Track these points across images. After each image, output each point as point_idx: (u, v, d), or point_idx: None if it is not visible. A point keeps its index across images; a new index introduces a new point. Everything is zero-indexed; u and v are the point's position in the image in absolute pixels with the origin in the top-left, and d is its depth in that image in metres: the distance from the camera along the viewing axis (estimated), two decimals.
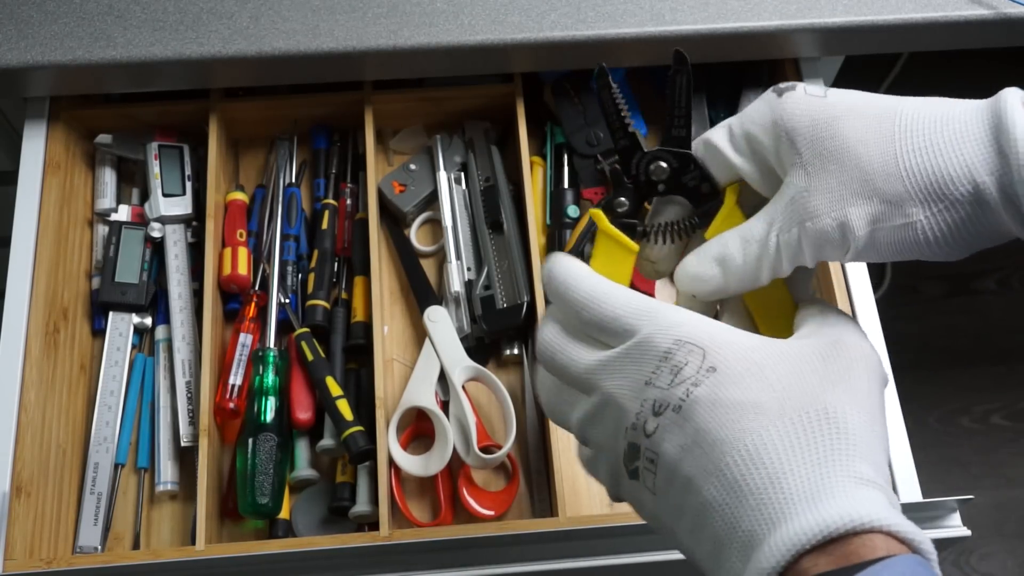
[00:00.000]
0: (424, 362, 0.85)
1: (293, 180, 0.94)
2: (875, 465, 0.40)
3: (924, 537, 0.38)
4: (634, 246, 0.50)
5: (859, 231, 0.43)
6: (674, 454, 0.40)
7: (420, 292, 0.89)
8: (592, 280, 0.45)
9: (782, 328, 0.48)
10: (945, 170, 0.42)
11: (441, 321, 0.86)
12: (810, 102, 0.45)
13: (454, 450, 0.80)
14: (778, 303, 0.49)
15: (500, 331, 0.85)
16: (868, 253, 0.44)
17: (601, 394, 0.43)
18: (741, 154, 0.47)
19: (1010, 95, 0.43)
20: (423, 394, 0.83)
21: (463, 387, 0.83)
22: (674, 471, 0.40)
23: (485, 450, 0.80)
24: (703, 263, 0.47)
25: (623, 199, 0.52)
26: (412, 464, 0.80)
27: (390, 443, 0.79)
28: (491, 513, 0.80)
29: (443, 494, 0.81)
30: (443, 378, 0.84)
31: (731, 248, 0.46)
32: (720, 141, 0.47)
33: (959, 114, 0.43)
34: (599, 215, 0.51)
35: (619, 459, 0.43)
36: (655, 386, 0.41)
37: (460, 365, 0.83)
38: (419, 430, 0.84)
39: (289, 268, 0.89)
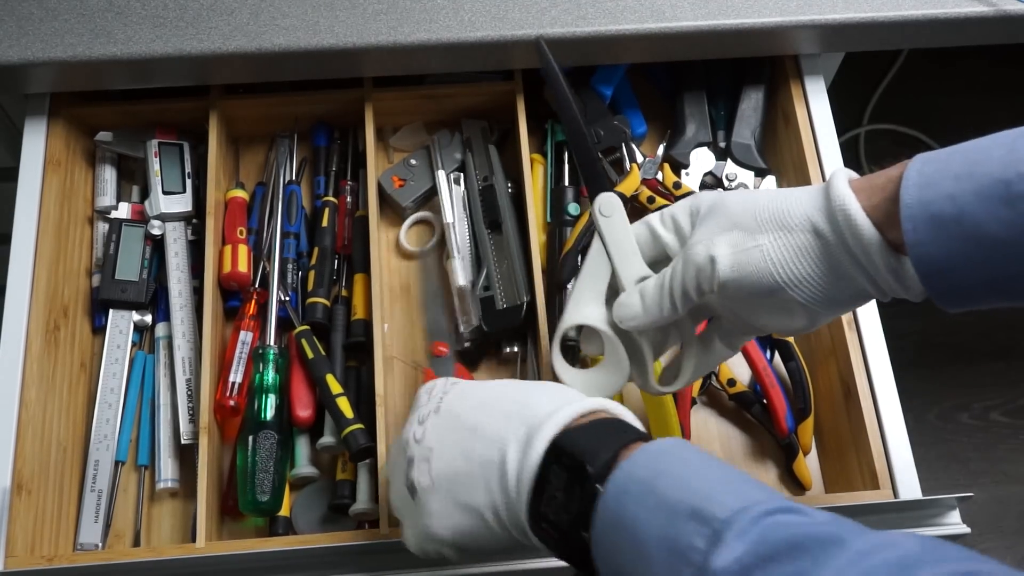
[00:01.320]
0: (591, 269, 0.67)
1: (293, 177, 0.94)
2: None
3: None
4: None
5: (720, 252, 0.58)
6: (439, 435, 0.58)
7: (590, 177, 0.71)
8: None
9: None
10: (785, 210, 0.57)
11: (615, 215, 0.65)
12: (712, 192, 0.63)
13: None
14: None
15: (501, 331, 0.85)
16: (735, 280, 0.57)
17: (394, 447, 0.64)
18: (665, 227, 0.63)
19: (838, 170, 0.57)
20: (591, 308, 0.66)
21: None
22: (442, 443, 0.58)
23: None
24: (630, 295, 0.63)
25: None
26: (581, 380, 0.66)
27: (555, 361, 0.67)
28: None
29: None
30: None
31: (648, 284, 0.62)
32: (652, 219, 0.64)
33: (806, 187, 0.59)
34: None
35: (403, 488, 0.60)
36: (418, 409, 0.61)
37: (638, 274, 0.64)
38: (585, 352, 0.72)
39: (289, 266, 0.89)
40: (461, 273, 0.87)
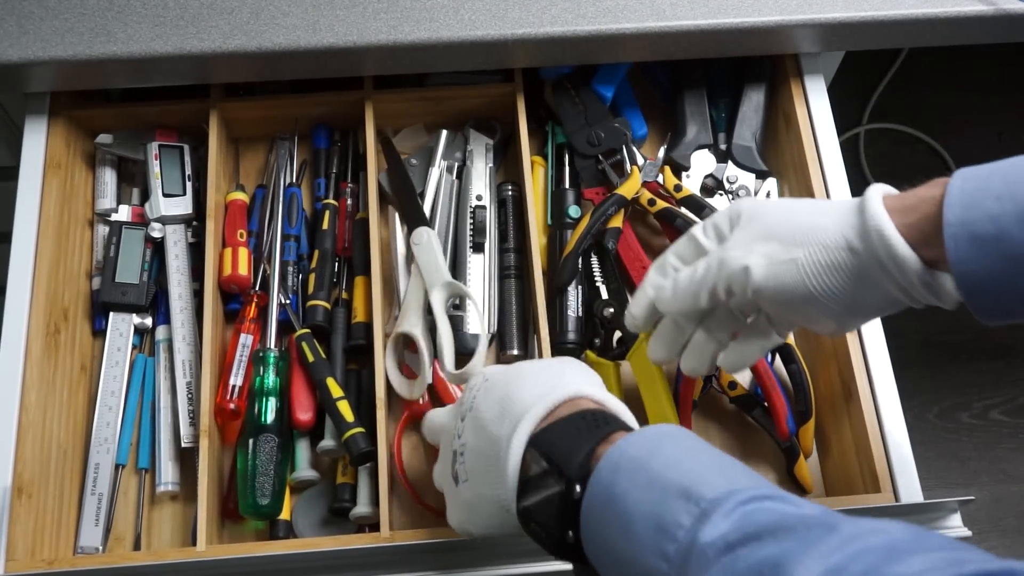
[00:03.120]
0: (413, 287, 0.85)
1: (293, 180, 0.93)
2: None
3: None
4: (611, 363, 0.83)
5: (755, 262, 0.60)
6: (469, 433, 0.62)
7: (410, 216, 0.88)
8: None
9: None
10: (822, 226, 0.59)
11: (423, 242, 0.85)
12: (753, 199, 0.70)
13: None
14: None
15: (460, 352, 0.84)
16: (769, 289, 0.60)
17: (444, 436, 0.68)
18: (707, 237, 0.65)
19: (872, 188, 0.59)
20: (410, 319, 0.83)
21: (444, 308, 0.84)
22: (471, 441, 0.61)
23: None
24: (664, 279, 0.66)
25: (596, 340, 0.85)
26: (401, 385, 0.82)
27: (388, 368, 0.82)
28: None
29: None
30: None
31: (682, 274, 0.65)
32: (695, 230, 0.66)
33: (841, 200, 0.63)
34: (590, 356, 0.85)
35: (450, 461, 0.65)
36: (461, 405, 0.65)
37: (438, 284, 0.83)
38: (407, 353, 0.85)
39: (290, 268, 0.88)
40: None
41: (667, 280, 0.66)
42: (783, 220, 0.61)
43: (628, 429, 0.56)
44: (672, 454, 0.52)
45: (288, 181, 0.93)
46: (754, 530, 0.45)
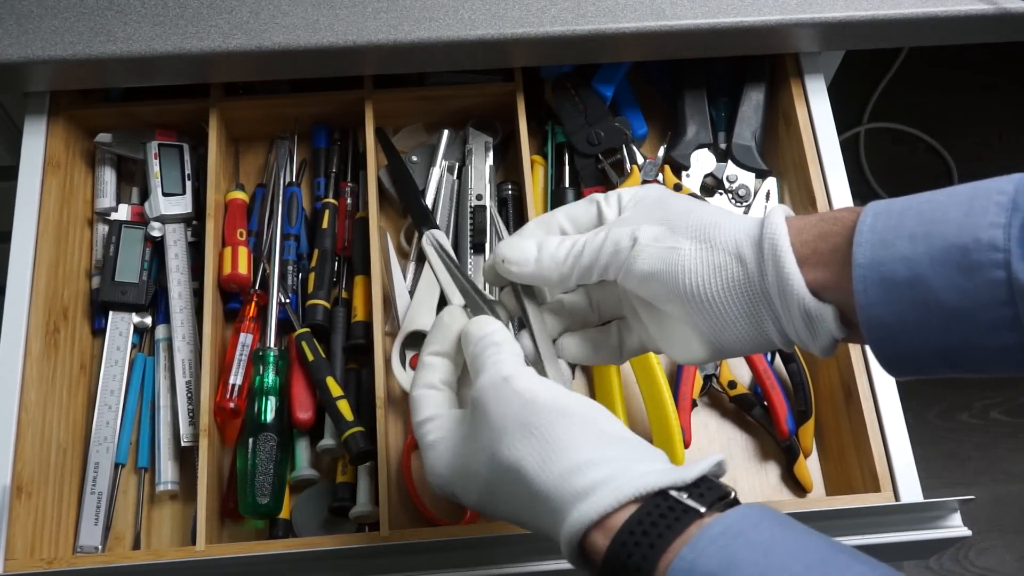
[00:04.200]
0: (424, 286, 0.86)
1: (293, 179, 0.93)
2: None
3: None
4: None
5: (642, 240, 0.55)
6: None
7: (418, 216, 0.88)
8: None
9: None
10: (718, 224, 0.54)
11: (438, 246, 0.84)
12: (664, 188, 0.60)
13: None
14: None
15: None
16: (640, 277, 0.55)
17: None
18: (609, 207, 0.59)
19: (779, 207, 0.54)
20: (424, 317, 0.84)
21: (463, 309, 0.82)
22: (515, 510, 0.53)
23: None
24: (524, 240, 0.58)
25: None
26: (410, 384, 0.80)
27: (394, 366, 0.81)
28: None
29: None
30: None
31: (551, 240, 0.58)
32: (598, 196, 0.60)
33: (745, 216, 0.57)
34: None
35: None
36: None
37: (456, 283, 0.82)
38: (415, 353, 0.85)
39: (289, 268, 0.88)
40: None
41: (530, 243, 0.58)
42: (683, 210, 0.56)
43: (688, 513, 0.46)
44: (752, 559, 0.44)
45: (288, 180, 0.93)
46: None
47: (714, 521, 0.45)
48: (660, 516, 0.46)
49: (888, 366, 0.52)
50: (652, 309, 0.58)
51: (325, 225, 0.90)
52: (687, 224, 0.55)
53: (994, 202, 0.47)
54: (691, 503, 0.47)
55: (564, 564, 0.71)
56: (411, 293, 0.88)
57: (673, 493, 0.47)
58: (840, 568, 0.43)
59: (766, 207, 0.92)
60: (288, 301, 0.87)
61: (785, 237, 0.52)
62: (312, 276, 0.88)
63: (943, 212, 0.49)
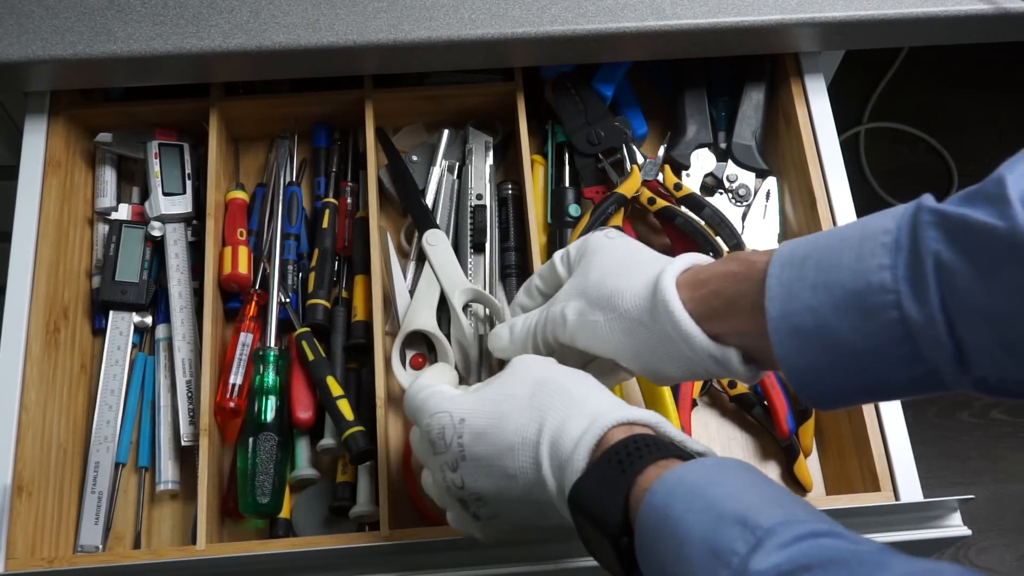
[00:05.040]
0: (424, 286, 0.86)
1: (293, 179, 0.93)
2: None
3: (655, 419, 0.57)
4: None
5: (570, 317, 0.63)
6: (477, 479, 0.58)
7: (418, 216, 0.89)
8: (412, 388, 0.64)
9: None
10: (619, 293, 0.61)
11: (440, 244, 0.87)
12: (601, 238, 0.67)
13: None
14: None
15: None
16: (582, 343, 0.63)
17: (424, 472, 0.64)
18: (564, 265, 0.69)
19: (678, 260, 0.61)
20: (424, 317, 0.84)
21: (463, 309, 0.85)
22: (488, 487, 0.58)
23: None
24: (500, 328, 0.70)
25: None
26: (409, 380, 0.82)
27: (394, 365, 0.82)
28: None
29: None
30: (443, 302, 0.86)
31: (517, 322, 0.69)
32: (556, 256, 0.69)
33: (648, 266, 0.62)
34: None
35: (459, 507, 0.61)
36: (440, 456, 0.60)
37: (459, 287, 0.85)
38: (422, 355, 0.86)
39: (289, 267, 0.88)
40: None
41: (504, 329, 0.70)
42: (597, 279, 0.63)
43: (663, 452, 0.53)
44: (732, 483, 0.51)
45: (288, 180, 0.93)
46: (807, 562, 0.44)
47: (704, 459, 0.53)
48: (659, 443, 0.54)
49: (814, 404, 0.57)
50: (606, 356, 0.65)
51: (325, 225, 0.90)
52: (598, 296, 0.62)
53: (880, 244, 0.51)
54: (694, 447, 0.56)
55: (564, 564, 0.71)
56: (411, 293, 0.88)
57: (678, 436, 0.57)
58: (804, 505, 0.50)
59: (765, 205, 0.92)
60: (288, 300, 0.87)
61: (676, 300, 0.58)
62: (312, 275, 0.88)
63: (838, 258, 0.52)
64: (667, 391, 0.81)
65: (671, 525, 0.49)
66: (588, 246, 0.67)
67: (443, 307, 0.86)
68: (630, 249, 0.66)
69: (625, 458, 0.53)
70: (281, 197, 0.91)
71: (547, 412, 0.57)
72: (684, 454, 0.54)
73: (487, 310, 0.86)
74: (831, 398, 0.55)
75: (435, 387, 0.63)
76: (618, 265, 0.64)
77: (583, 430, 0.55)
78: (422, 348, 0.86)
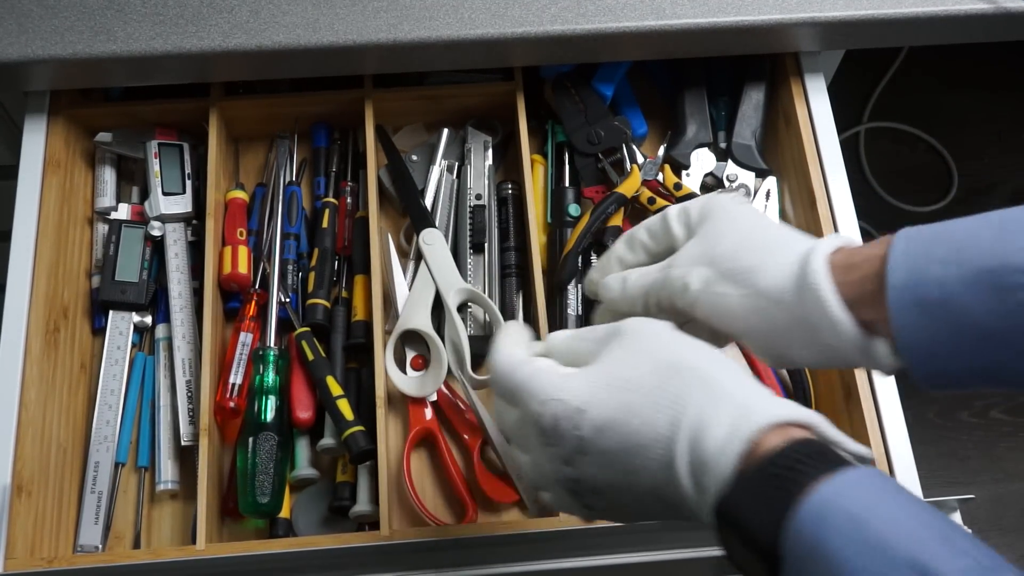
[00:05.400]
0: (419, 286, 0.86)
1: (293, 178, 0.93)
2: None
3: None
4: None
5: (693, 285, 0.57)
6: (606, 475, 0.51)
7: (416, 215, 0.89)
8: (508, 362, 0.56)
9: None
10: (762, 267, 0.55)
11: (436, 243, 0.87)
12: (728, 202, 0.60)
13: (448, 372, 0.83)
14: None
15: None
16: (704, 309, 0.57)
17: (523, 456, 0.56)
18: (680, 225, 0.61)
19: (825, 241, 0.55)
20: (418, 317, 0.84)
21: (459, 309, 0.85)
22: (610, 484, 0.52)
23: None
24: (614, 277, 0.63)
25: None
26: (407, 384, 0.83)
27: (387, 364, 0.82)
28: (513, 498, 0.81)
29: (463, 490, 0.81)
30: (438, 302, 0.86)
31: (632, 276, 0.62)
32: (671, 214, 0.62)
33: (791, 243, 0.56)
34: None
35: (568, 497, 0.54)
36: (553, 446, 0.52)
37: (454, 288, 0.85)
38: (422, 356, 0.85)
39: (289, 267, 0.88)
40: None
41: (617, 280, 0.62)
42: (730, 250, 0.57)
43: (826, 467, 0.46)
44: (894, 510, 0.44)
45: (288, 179, 0.92)
46: None
47: (851, 472, 0.46)
48: (823, 453, 0.47)
49: (927, 384, 0.52)
50: (722, 328, 0.59)
51: (325, 225, 0.90)
52: (732, 269, 0.56)
53: None
54: (854, 448, 0.50)
55: (563, 564, 0.71)
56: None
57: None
58: (966, 535, 0.45)
59: (765, 205, 0.92)
60: (288, 300, 0.87)
61: (828, 284, 0.52)
62: (312, 275, 0.88)
63: (975, 237, 0.49)
64: None
65: (826, 561, 0.43)
66: (713, 210, 0.60)
67: (439, 307, 0.86)
68: (762, 221, 0.60)
69: (785, 472, 0.46)
70: (281, 197, 0.91)
71: (684, 405, 0.50)
72: (844, 462, 0.47)
73: (486, 314, 0.87)
74: (947, 380, 0.51)
75: (535, 363, 0.55)
76: (754, 237, 0.58)
77: (730, 429, 0.48)
78: (422, 348, 0.86)
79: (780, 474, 0.46)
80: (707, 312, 0.57)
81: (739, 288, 0.55)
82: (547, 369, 0.54)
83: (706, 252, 0.58)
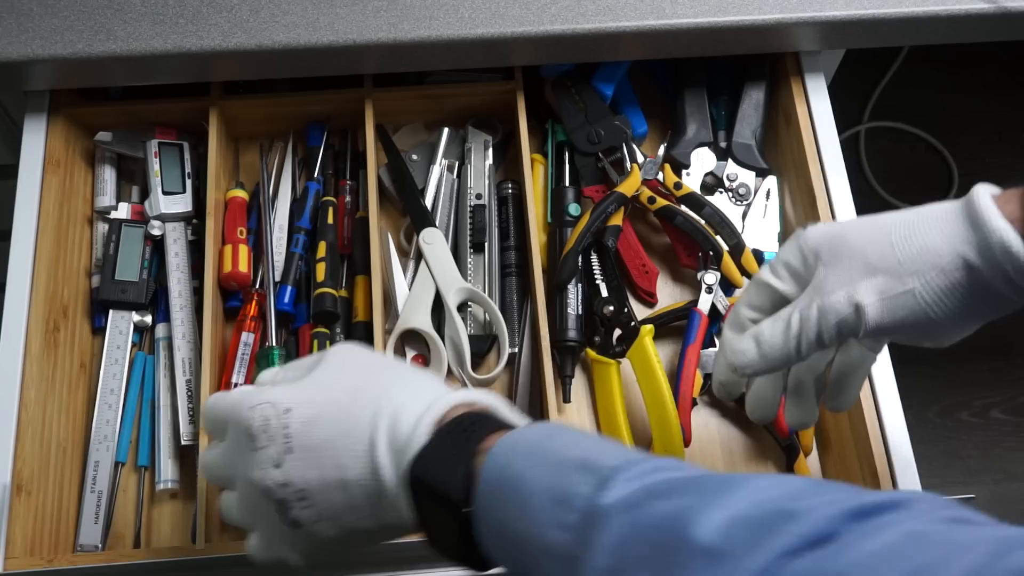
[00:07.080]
0: (419, 285, 0.86)
1: (294, 178, 0.93)
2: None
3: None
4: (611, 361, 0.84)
5: (867, 301, 0.55)
6: (305, 474, 0.53)
7: (416, 215, 0.90)
8: (216, 395, 0.59)
9: None
10: (931, 245, 0.54)
11: (436, 243, 0.87)
12: (822, 226, 0.59)
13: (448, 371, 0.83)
14: None
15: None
16: (886, 326, 0.55)
17: (235, 483, 0.57)
18: (781, 279, 0.60)
19: (980, 187, 0.54)
20: (418, 316, 0.84)
21: (459, 309, 0.85)
22: (315, 482, 0.53)
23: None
24: (743, 341, 0.60)
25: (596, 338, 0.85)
26: None
27: None
28: None
29: None
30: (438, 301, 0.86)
31: (764, 326, 0.59)
32: (764, 274, 0.61)
33: (937, 209, 0.55)
34: (590, 354, 0.85)
35: (277, 524, 0.55)
36: (263, 447, 0.54)
37: (454, 287, 0.85)
38: (422, 355, 0.86)
39: (295, 261, 0.88)
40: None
41: (748, 341, 0.60)
42: (880, 249, 0.56)
43: (505, 425, 0.52)
44: (571, 436, 0.51)
45: (289, 178, 0.93)
46: (657, 489, 0.44)
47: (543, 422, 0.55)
48: (501, 418, 0.54)
49: None
50: (900, 336, 0.59)
51: (331, 220, 0.90)
52: (900, 261, 0.55)
53: None
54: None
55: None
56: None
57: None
58: (645, 453, 0.50)
59: (765, 205, 0.92)
60: (290, 292, 0.87)
61: (1016, 238, 0.52)
62: (320, 266, 0.87)
63: None
64: (667, 391, 0.81)
65: (513, 482, 0.48)
66: (820, 243, 0.58)
67: (439, 306, 0.86)
68: (870, 218, 0.58)
69: (469, 427, 0.51)
70: (279, 196, 0.91)
71: (384, 398, 0.54)
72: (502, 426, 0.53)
73: (486, 313, 0.87)
74: None
75: (241, 388, 0.59)
76: (888, 227, 0.56)
77: (424, 408, 0.52)
78: (422, 348, 0.86)
79: (466, 429, 0.51)
80: (895, 321, 0.55)
81: (921, 276, 0.54)
82: (253, 387, 0.58)
83: (855, 264, 0.56)
